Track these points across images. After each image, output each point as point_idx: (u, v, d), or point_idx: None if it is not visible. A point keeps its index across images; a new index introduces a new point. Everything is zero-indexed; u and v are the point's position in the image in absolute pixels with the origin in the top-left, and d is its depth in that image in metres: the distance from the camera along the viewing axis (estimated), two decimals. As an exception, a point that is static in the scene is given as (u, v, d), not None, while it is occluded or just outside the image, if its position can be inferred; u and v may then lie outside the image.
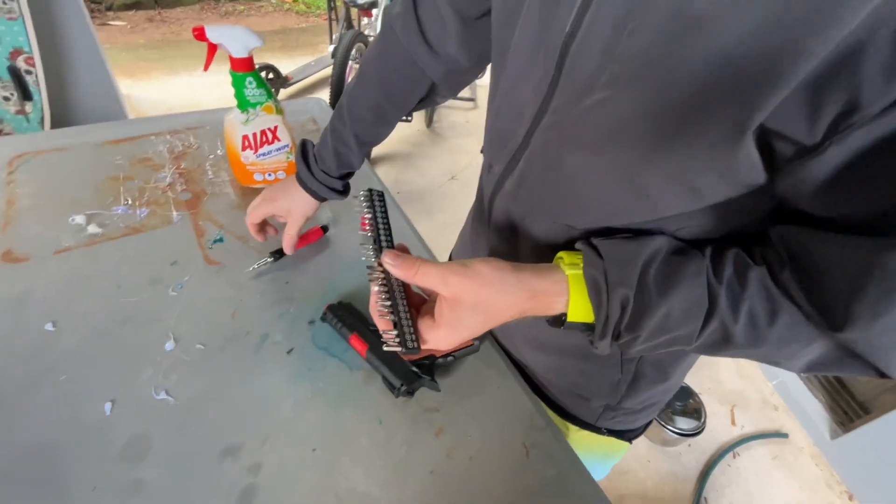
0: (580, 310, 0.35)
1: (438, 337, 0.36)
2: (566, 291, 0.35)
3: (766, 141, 0.29)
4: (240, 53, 0.61)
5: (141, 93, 2.53)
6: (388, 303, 0.37)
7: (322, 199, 0.60)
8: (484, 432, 0.51)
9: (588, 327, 0.36)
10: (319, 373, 0.53)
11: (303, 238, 0.65)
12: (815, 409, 1.45)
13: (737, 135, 0.28)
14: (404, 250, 0.38)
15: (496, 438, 0.50)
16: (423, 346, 0.36)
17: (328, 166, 0.58)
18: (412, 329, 0.36)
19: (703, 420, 1.31)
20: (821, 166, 0.28)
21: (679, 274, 0.34)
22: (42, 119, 1.69)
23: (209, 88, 2.63)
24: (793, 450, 1.41)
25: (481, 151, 0.58)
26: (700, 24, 0.26)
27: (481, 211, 0.54)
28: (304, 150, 0.59)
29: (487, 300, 0.34)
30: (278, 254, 0.63)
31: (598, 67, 0.31)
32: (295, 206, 0.59)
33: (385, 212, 0.43)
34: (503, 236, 0.49)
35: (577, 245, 0.39)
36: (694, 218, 0.35)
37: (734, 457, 1.36)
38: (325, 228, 0.69)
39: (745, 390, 1.56)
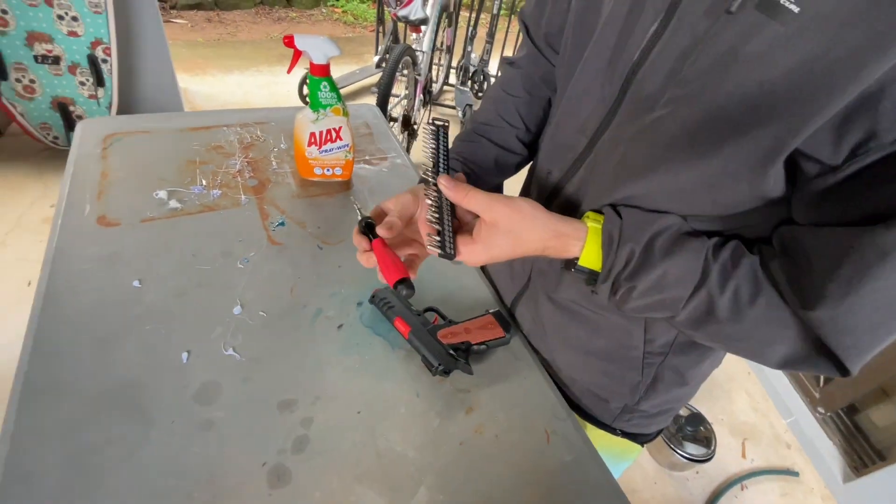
0: (591, 257, 0.42)
1: (472, 251, 0.42)
2: (584, 238, 0.42)
3: (793, 160, 0.35)
4: (319, 60, 0.69)
5: (196, 87, 2.69)
6: (437, 215, 0.44)
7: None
8: (509, 415, 0.56)
9: (593, 275, 0.42)
10: (365, 348, 0.60)
11: None
12: (829, 450, 1.44)
13: (772, 155, 0.34)
14: (462, 180, 0.45)
15: (520, 422, 0.55)
16: (457, 256, 0.43)
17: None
18: (452, 240, 0.43)
19: (712, 448, 1.32)
20: (832, 180, 0.34)
21: (682, 246, 0.40)
22: (110, 104, 1.84)
23: (259, 87, 2.78)
24: (803, 489, 1.40)
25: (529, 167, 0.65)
26: (751, 60, 0.32)
27: None
28: None
29: (520, 229, 0.41)
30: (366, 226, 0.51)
31: (659, 90, 0.38)
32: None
33: (446, 144, 0.49)
34: None
35: (603, 208, 0.45)
36: (715, 223, 0.42)
37: (742, 489, 1.36)
38: None
39: (758, 424, 1.56)
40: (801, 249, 0.36)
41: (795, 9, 0.30)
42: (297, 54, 0.69)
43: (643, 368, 0.54)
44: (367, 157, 0.93)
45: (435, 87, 2.87)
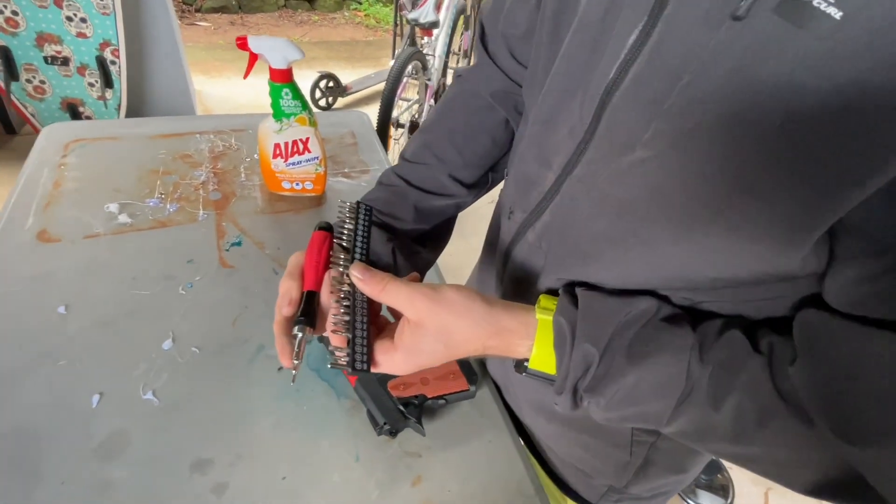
0: (543, 358, 0.32)
1: (393, 360, 0.34)
2: (532, 336, 0.33)
3: (831, 230, 0.24)
4: (279, 64, 0.62)
5: (211, 89, 2.70)
6: (346, 318, 0.35)
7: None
8: (464, 490, 0.47)
9: (550, 379, 0.33)
10: (306, 395, 0.52)
11: None
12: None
13: (803, 228, 0.24)
14: (414, 280, 0.36)
15: (477, 498, 0.46)
16: (374, 368, 0.34)
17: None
18: (366, 349, 0.34)
19: (730, 499, 1.19)
20: (889, 264, 0.23)
21: (659, 344, 0.30)
22: (119, 106, 1.84)
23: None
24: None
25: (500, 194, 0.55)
26: (770, 85, 0.22)
27: (492, 256, 0.51)
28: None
29: (451, 328, 0.32)
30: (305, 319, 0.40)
31: (640, 122, 0.28)
32: None
33: (368, 226, 0.42)
34: (519, 289, 0.45)
35: (560, 290, 0.36)
36: (713, 295, 0.31)
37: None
38: None
39: (784, 472, 1.40)
40: (841, 357, 0.25)
41: (836, 14, 0.20)
42: (254, 58, 0.62)
43: (632, 447, 0.44)
44: (346, 170, 0.86)
45: (451, 93, 2.80)
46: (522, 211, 0.41)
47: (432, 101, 2.16)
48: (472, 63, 0.53)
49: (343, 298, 0.36)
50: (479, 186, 0.52)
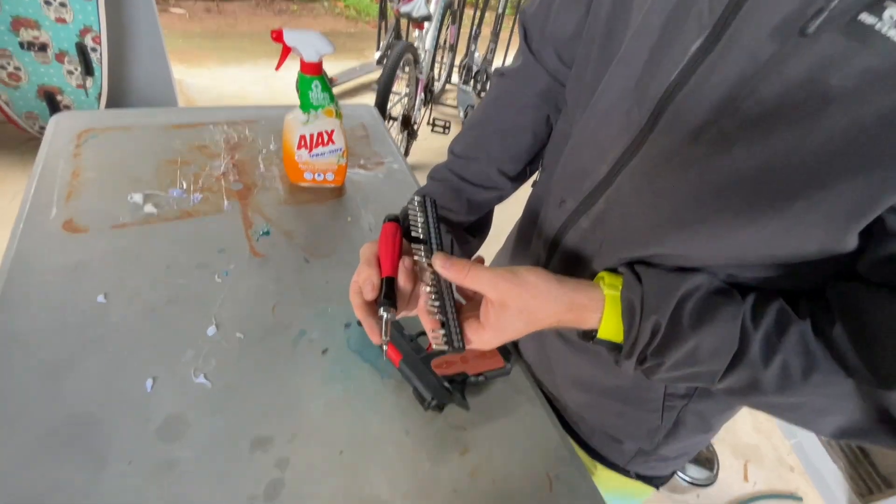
0: (611, 328, 0.36)
1: (484, 338, 0.38)
2: (601, 309, 0.36)
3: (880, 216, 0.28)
4: (311, 58, 0.63)
5: (192, 79, 2.62)
6: (437, 303, 0.39)
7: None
8: (508, 457, 0.50)
9: (615, 346, 0.37)
10: (351, 376, 0.54)
11: None
12: (834, 475, 1.40)
13: (858, 215, 0.28)
14: (480, 262, 0.39)
15: (520, 465, 0.50)
16: (468, 346, 0.38)
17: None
18: (459, 329, 0.38)
19: (715, 471, 1.27)
20: None
21: (715, 312, 0.34)
22: (100, 94, 1.77)
23: (255, 82, 2.71)
24: (806, 515, 1.36)
25: (532, 185, 0.59)
26: (835, 96, 0.26)
27: (527, 243, 0.54)
28: None
29: (532, 307, 0.36)
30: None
31: (706, 121, 0.31)
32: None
33: (437, 217, 0.45)
34: (569, 272, 0.47)
35: (619, 268, 0.39)
36: (760, 271, 0.35)
37: (744, 514, 1.31)
38: None
39: (760, 446, 1.51)
40: (875, 318, 0.30)
41: None
42: (286, 50, 0.63)
43: (663, 412, 0.48)
44: (361, 162, 0.88)
45: (437, 86, 2.81)
46: (574, 200, 0.44)
47: (422, 94, 2.17)
48: (512, 62, 0.56)
49: (432, 285, 0.39)
50: (520, 179, 0.56)
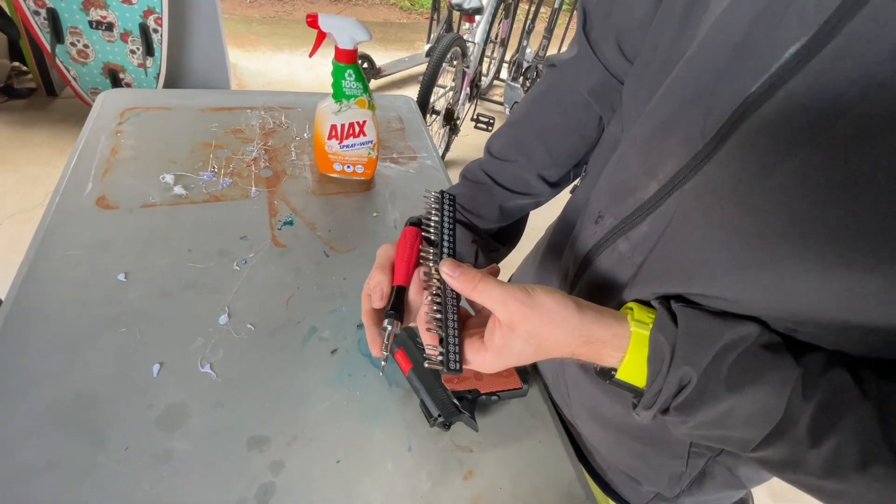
0: (633, 370, 0.31)
1: (484, 361, 0.34)
2: (625, 348, 0.31)
3: None
4: (346, 45, 0.61)
5: (246, 63, 2.70)
6: (439, 316, 0.35)
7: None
8: (515, 488, 0.46)
9: (635, 390, 0.32)
10: (359, 381, 0.52)
11: None
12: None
13: None
14: (495, 273, 0.35)
15: (528, 497, 0.46)
16: (465, 367, 0.34)
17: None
18: (458, 348, 0.34)
19: (748, 513, 1.17)
20: None
21: (761, 372, 0.28)
22: (158, 74, 1.84)
23: (307, 69, 2.76)
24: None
25: (571, 191, 0.54)
26: None
27: (557, 257, 0.50)
28: None
29: (543, 334, 0.32)
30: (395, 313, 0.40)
31: (791, 147, 0.25)
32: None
33: (453, 218, 0.41)
34: (595, 296, 0.42)
35: (653, 302, 0.34)
36: (830, 333, 0.29)
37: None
38: None
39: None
40: None
41: None
42: (321, 36, 0.61)
43: (689, 458, 0.43)
44: (394, 155, 0.85)
45: (484, 81, 2.76)
46: (614, 217, 0.38)
47: (468, 88, 2.13)
48: (566, 51, 0.50)
49: (435, 295, 0.35)
50: (561, 184, 0.51)
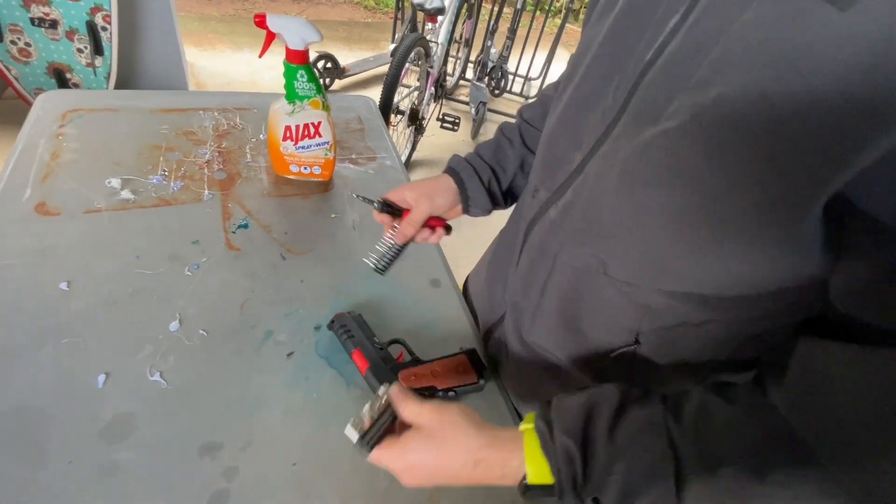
0: (537, 467, 0.33)
1: (386, 451, 0.37)
2: (522, 447, 0.34)
3: (839, 216, 0.25)
4: (296, 46, 0.61)
5: (204, 62, 2.62)
6: (382, 411, 0.40)
7: (463, 190, 0.55)
8: None
9: (550, 491, 0.33)
10: (315, 383, 0.52)
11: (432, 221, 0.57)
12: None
13: (812, 193, 0.25)
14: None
15: (482, 490, 0.47)
16: (374, 452, 0.38)
17: (483, 152, 0.57)
18: (378, 435, 0.38)
19: None
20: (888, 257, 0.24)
21: (636, 425, 0.31)
22: (109, 74, 1.77)
23: (268, 69, 2.70)
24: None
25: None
26: (795, 56, 0.24)
27: (513, 237, 0.52)
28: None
29: (444, 435, 0.35)
30: (387, 208, 0.54)
31: (668, 96, 0.29)
32: (434, 191, 0.54)
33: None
34: (533, 265, 0.46)
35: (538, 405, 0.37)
36: (724, 307, 0.33)
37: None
38: (447, 228, 0.58)
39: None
40: (812, 372, 0.26)
41: None
42: (271, 36, 0.60)
43: None
44: (353, 156, 0.85)
45: (450, 81, 2.77)
46: (547, 190, 0.42)
47: (433, 88, 2.14)
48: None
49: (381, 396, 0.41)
50: None
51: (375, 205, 0.54)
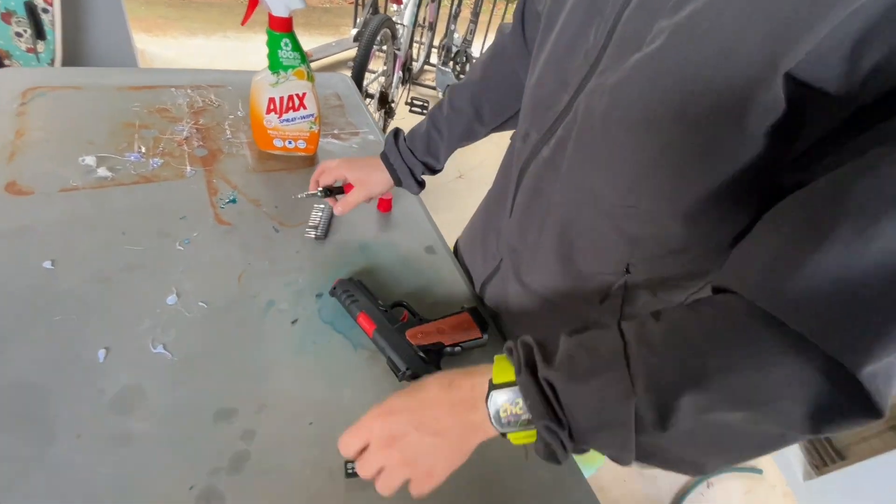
0: (502, 370, 0.34)
1: (367, 415, 0.37)
2: (491, 370, 0.35)
3: (797, 97, 0.28)
4: (280, 12, 0.59)
5: (156, 49, 2.48)
6: None
7: (398, 182, 0.62)
8: (485, 427, 0.49)
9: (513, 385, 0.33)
10: (323, 347, 0.52)
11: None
12: (792, 449, 1.46)
13: (768, 72, 0.27)
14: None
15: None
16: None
17: (416, 147, 0.61)
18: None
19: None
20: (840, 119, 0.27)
21: (590, 335, 0.33)
22: (52, 60, 1.65)
23: (225, 54, 2.59)
24: (765, 487, 1.42)
25: (511, 138, 0.58)
26: None
27: (503, 189, 0.55)
28: (395, 132, 0.62)
29: (419, 383, 0.37)
30: (329, 193, 0.62)
31: (648, 25, 0.32)
32: (370, 179, 0.61)
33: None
34: (530, 207, 0.49)
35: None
36: (707, 228, 0.37)
37: (708, 486, 1.36)
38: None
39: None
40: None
41: None
42: (253, 3, 0.59)
43: None
44: (335, 131, 0.84)
45: (415, 66, 2.75)
46: (538, 131, 0.45)
47: (400, 72, 2.12)
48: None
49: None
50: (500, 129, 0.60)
51: (319, 193, 0.61)
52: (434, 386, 0.36)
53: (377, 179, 0.61)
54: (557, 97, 0.41)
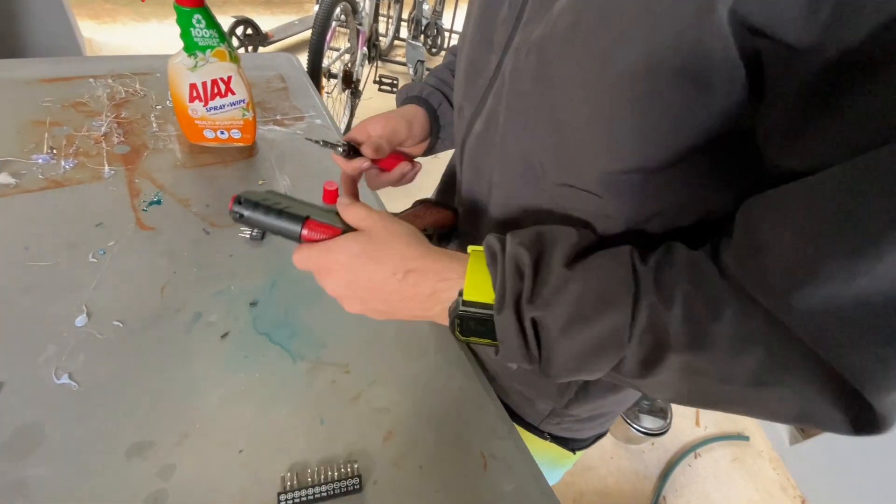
0: (477, 285, 0.30)
1: (316, 247, 0.34)
2: (465, 263, 0.32)
3: (751, 48, 0.23)
4: (186, -17, 0.52)
5: (105, 37, 2.33)
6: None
7: (432, 113, 0.52)
8: (439, 438, 0.45)
9: (487, 313, 0.29)
10: (257, 361, 0.47)
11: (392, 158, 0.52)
12: (777, 413, 1.47)
13: (706, 9, 0.22)
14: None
15: (452, 445, 0.45)
16: (299, 249, 0.35)
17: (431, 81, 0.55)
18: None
19: (668, 420, 1.30)
20: (808, 74, 0.22)
21: (596, 254, 0.30)
22: (-15, 55, 1.53)
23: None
24: (752, 453, 1.42)
25: None
26: None
27: (452, 172, 0.50)
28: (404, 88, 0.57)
29: (381, 238, 0.33)
30: (350, 149, 0.47)
31: None
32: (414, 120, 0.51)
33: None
34: (471, 189, 0.44)
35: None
36: (668, 192, 0.31)
37: (696, 457, 1.36)
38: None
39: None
40: (751, 226, 0.25)
41: None
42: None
43: None
44: (277, 117, 0.77)
45: (384, 42, 2.64)
46: (470, 103, 0.41)
47: (365, 48, 2.02)
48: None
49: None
50: None
51: (340, 150, 0.46)
52: (389, 264, 0.32)
53: (418, 116, 0.51)
54: (485, 62, 0.37)
